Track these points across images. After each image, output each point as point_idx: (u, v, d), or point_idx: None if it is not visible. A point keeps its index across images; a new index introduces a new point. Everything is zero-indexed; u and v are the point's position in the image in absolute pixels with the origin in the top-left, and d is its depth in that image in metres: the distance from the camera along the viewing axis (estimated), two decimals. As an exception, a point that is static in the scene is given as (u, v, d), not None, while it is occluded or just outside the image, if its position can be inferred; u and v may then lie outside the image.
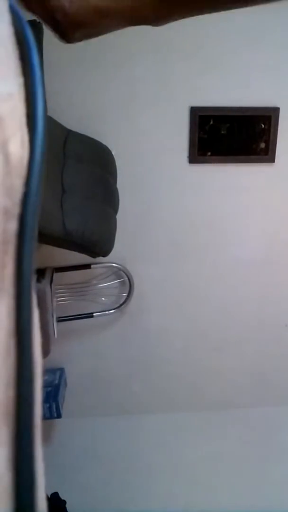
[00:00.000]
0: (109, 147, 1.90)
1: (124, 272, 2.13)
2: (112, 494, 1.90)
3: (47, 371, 2.21)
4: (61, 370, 2.25)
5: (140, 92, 1.91)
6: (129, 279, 2.13)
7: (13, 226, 0.21)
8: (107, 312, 2.16)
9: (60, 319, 2.01)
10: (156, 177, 2.04)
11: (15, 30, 0.25)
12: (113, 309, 2.17)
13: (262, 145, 2.02)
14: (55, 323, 1.89)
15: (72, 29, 0.41)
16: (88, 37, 0.45)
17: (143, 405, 2.35)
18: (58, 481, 1.64)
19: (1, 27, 0.23)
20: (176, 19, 0.45)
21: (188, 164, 2.02)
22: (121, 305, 2.18)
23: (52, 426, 2.11)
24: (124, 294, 2.17)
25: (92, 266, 2.06)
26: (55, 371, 2.22)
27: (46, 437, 2.13)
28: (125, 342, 2.28)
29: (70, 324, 2.10)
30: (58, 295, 2.05)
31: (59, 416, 2.04)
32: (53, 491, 1.73)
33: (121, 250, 1.94)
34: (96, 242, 1.64)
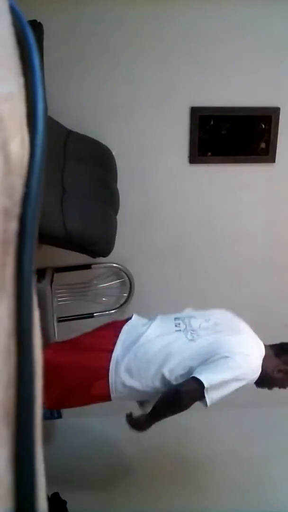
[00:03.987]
0: (109, 147, 1.90)
1: (124, 272, 2.12)
2: (112, 494, 1.90)
3: (47, 371, 2.20)
4: (62, 370, 2.25)
5: (140, 92, 1.91)
6: (129, 279, 2.13)
7: (13, 226, 0.21)
8: (107, 312, 2.16)
9: (61, 320, 2.01)
10: (157, 177, 2.04)
11: (16, 30, 0.25)
12: (114, 309, 2.17)
13: (263, 145, 2.01)
14: (55, 324, 1.89)
15: None
16: None
17: (143, 405, 2.34)
18: (58, 481, 1.64)
19: (1, 28, 0.23)
20: None
21: (188, 164, 2.02)
22: (121, 305, 2.18)
23: (53, 426, 2.11)
24: (125, 294, 2.17)
25: (92, 266, 2.06)
26: (56, 371, 2.22)
27: (47, 438, 2.13)
28: (126, 342, 2.27)
29: (71, 324, 2.09)
30: (59, 295, 2.05)
31: (59, 416, 2.04)
32: (53, 491, 1.72)
33: (122, 250, 1.93)
34: (96, 242, 1.64)
